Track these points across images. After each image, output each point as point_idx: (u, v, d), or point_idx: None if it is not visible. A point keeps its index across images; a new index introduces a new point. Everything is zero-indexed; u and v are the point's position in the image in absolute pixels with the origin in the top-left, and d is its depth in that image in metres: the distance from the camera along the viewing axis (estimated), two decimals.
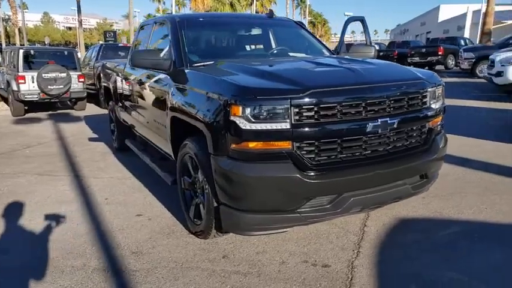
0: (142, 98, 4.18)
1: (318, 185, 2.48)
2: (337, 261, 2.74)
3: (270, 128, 2.41)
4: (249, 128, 2.41)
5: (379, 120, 2.59)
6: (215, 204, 2.75)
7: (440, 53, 20.21)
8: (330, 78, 2.74)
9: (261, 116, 2.40)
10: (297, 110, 2.41)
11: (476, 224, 3.29)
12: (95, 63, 11.94)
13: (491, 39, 21.81)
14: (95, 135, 7.34)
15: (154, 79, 3.77)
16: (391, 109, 2.67)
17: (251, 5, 34.71)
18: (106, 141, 6.70)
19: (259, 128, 2.41)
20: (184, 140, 3.20)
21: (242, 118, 2.41)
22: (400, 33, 67.95)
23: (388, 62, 3.54)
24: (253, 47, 4.27)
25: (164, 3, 63.78)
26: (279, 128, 2.41)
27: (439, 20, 48.93)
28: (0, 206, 3.93)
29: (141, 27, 4.92)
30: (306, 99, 2.42)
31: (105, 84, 6.15)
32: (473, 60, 15.84)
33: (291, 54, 4.03)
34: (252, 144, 2.44)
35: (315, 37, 4.48)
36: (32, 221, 3.57)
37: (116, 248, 3.03)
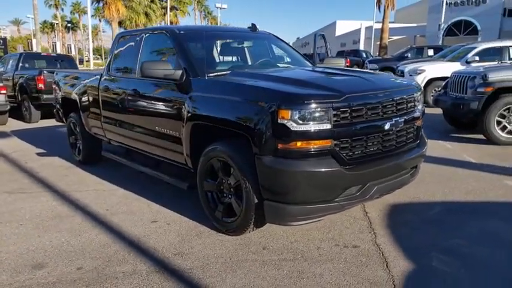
0: (139, 109, 4.22)
1: (354, 176, 2.92)
2: (363, 242, 3.19)
3: (315, 128, 2.79)
4: (297, 129, 2.76)
5: (393, 119, 3.13)
6: (256, 201, 3.03)
7: (347, 64, 22.22)
8: (355, 85, 3.21)
9: (307, 119, 2.77)
10: (335, 112, 2.83)
11: (449, 203, 4.01)
12: (15, 74, 11.08)
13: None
14: (42, 150, 6.92)
15: (161, 90, 3.88)
16: (398, 110, 3.23)
17: (164, 15, 34.46)
18: (60, 155, 6.40)
19: (306, 129, 2.77)
20: (205, 146, 3.42)
21: (291, 121, 2.75)
22: (301, 45, 72.36)
23: (380, 72, 4.13)
24: (247, 57, 4.60)
25: (62, 9, 59.81)
26: (322, 128, 2.80)
27: (336, 35, 53.38)
28: None
29: (121, 37, 4.92)
30: (343, 103, 2.85)
31: (65, 96, 5.92)
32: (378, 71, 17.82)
33: (280, 65, 4.45)
34: (299, 144, 2.79)
35: (293, 48, 4.96)
36: (42, 237, 3.44)
37: (155, 252, 3.11)
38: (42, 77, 9.79)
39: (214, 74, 3.66)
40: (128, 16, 27.98)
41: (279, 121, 2.77)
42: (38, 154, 6.65)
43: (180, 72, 3.67)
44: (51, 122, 10.22)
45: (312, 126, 2.78)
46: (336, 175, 2.85)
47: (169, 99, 3.79)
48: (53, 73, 10.16)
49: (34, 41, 26.04)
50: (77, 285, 2.66)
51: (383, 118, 3.09)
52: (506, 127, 6.45)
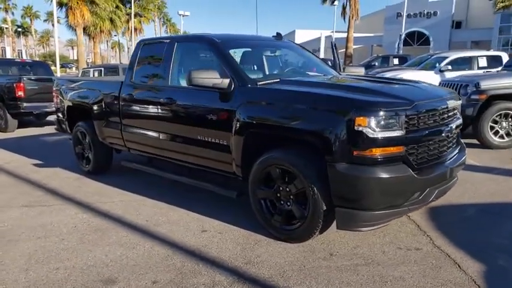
0: (175, 118, 4.12)
1: (422, 181, 3.04)
2: (422, 245, 3.31)
3: (389, 135, 2.88)
4: (373, 136, 2.83)
5: (448, 125, 3.30)
6: (325, 207, 3.07)
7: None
8: (417, 94, 3.33)
9: (383, 126, 2.85)
10: (407, 119, 2.94)
11: (479, 205, 4.23)
12: None
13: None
14: (37, 161, 6.55)
15: (203, 98, 3.82)
16: (449, 117, 3.41)
17: (128, 22, 33.66)
18: (61, 166, 6.10)
19: (381, 136, 2.85)
20: (258, 154, 3.42)
21: (367, 128, 2.82)
22: None
23: (421, 81, 4.29)
24: (280, 65, 4.63)
25: (13, 13, 56.86)
26: (396, 135, 2.89)
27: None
28: (30, 239, 3.47)
29: (144, 45, 4.79)
30: (413, 111, 2.97)
31: (72, 104, 5.67)
32: None
33: (310, 73, 4.53)
34: (374, 150, 2.86)
35: (316, 56, 5.06)
36: (94, 251, 3.28)
37: (223, 262, 3.06)
38: (21, 84, 9.31)
39: (264, 82, 3.67)
40: (93, 22, 27.04)
41: (355, 128, 2.83)
42: (35, 165, 6.29)
43: (227, 81, 3.64)
44: (30, 131, 9.76)
45: (387, 133, 2.86)
46: (408, 180, 2.95)
47: (214, 108, 3.74)
48: (36, 80, 9.81)
49: None
50: None
51: (441, 124, 3.24)
52: (499, 132, 6.90)
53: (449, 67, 11.81)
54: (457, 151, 3.65)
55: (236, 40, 4.45)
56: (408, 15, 40.24)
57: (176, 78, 4.27)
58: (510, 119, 6.90)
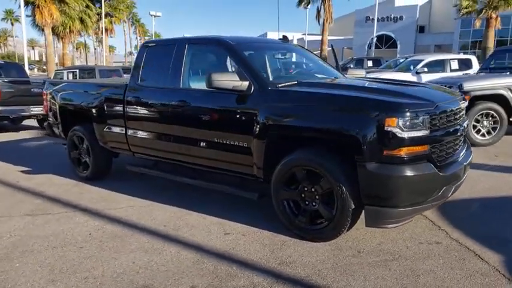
0: (189, 121, 4.10)
1: (444, 178, 3.17)
2: (441, 239, 3.45)
3: (417, 135, 2.99)
4: (402, 135, 2.94)
5: (462, 125, 3.46)
6: (353, 206, 3.15)
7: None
8: (435, 95, 3.47)
9: (410, 126, 2.97)
10: (430, 119, 3.07)
11: (480, 199, 4.45)
12: None
13: None
14: (24, 168, 6.29)
15: (221, 101, 3.82)
16: (461, 116, 3.58)
17: (98, 21, 32.76)
18: (53, 172, 5.90)
19: (410, 136, 2.96)
20: (281, 155, 3.46)
21: (397, 128, 2.93)
22: None
23: (427, 83, 4.46)
24: (290, 68, 4.69)
25: None
26: (422, 134, 3.02)
27: None
28: (46, 249, 3.36)
29: (149, 47, 4.73)
30: (436, 110, 3.11)
31: (67, 107, 5.50)
32: None
33: (318, 75, 4.61)
34: (403, 149, 2.97)
35: (322, 59, 5.16)
36: (119, 258, 3.21)
37: (256, 263, 3.08)
38: None
39: (283, 84, 3.71)
40: (62, 21, 26.05)
41: (385, 129, 2.93)
42: (24, 172, 6.05)
43: (246, 83, 3.66)
44: (6, 137, 9.34)
45: (414, 133, 2.98)
46: (433, 178, 3.08)
47: (233, 111, 3.74)
48: (12, 83, 9.41)
49: None
50: None
51: (456, 124, 3.40)
52: (480, 130, 7.27)
53: (426, 69, 12.30)
54: (465, 149, 3.83)
55: (250, 43, 4.48)
56: (377, 19, 41.63)
57: (188, 81, 4.25)
58: (491, 118, 7.28)
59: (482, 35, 27.39)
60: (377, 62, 19.80)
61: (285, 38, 4.87)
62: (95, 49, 57.14)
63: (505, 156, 6.58)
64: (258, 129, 3.54)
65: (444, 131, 3.22)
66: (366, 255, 3.17)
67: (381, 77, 12.82)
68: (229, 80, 3.61)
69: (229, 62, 4.28)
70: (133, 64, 4.87)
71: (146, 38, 70.87)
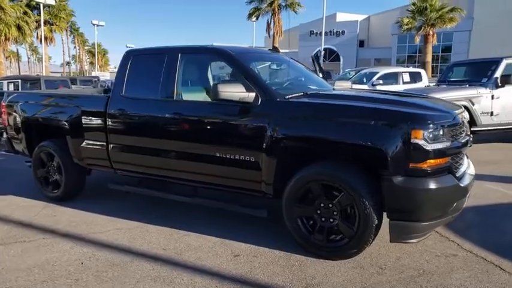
0: (185, 135, 3.82)
1: (463, 189, 3.17)
2: (455, 251, 3.43)
3: (441, 147, 2.97)
4: (428, 148, 2.90)
5: (468, 135, 3.51)
6: (376, 222, 3.04)
7: None
8: (448, 107, 3.47)
9: (435, 138, 2.93)
10: (450, 131, 3.06)
11: (472, 208, 4.55)
12: None
13: None
14: None
15: (223, 113, 3.59)
16: (466, 128, 3.63)
17: (37, 28, 30.65)
18: (13, 193, 5.29)
19: (435, 148, 2.93)
20: (292, 169, 3.30)
21: (423, 140, 2.88)
22: None
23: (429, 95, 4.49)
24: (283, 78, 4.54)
25: None
26: (445, 146, 3.00)
27: None
28: (35, 284, 2.90)
29: (134, 56, 4.36)
30: (454, 122, 3.11)
31: (34, 121, 4.96)
32: None
33: (311, 86, 4.52)
34: (429, 162, 2.93)
35: (309, 69, 5.08)
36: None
37: (286, 286, 2.86)
38: None
39: (291, 95, 3.56)
40: None
41: (411, 141, 2.87)
42: None
43: (253, 94, 3.47)
44: None
45: (438, 145, 2.95)
46: (456, 189, 3.07)
47: (238, 124, 3.53)
48: None
49: None
50: None
51: (466, 135, 3.44)
52: None
53: (381, 81, 12.77)
54: (467, 159, 3.90)
55: (248, 53, 4.28)
56: (320, 33, 42.99)
57: (182, 92, 3.96)
58: None
59: (417, 50, 29.27)
60: (328, 75, 20.32)
61: (275, 48, 4.74)
62: (28, 58, 53.41)
63: (477, 164, 6.87)
64: (268, 142, 3.34)
65: (460, 142, 3.23)
66: (390, 272, 3.07)
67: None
68: (236, 91, 3.40)
69: (225, 72, 4.07)
70: (116, 74, 4.48)
71: (85, 48, 67.95)
